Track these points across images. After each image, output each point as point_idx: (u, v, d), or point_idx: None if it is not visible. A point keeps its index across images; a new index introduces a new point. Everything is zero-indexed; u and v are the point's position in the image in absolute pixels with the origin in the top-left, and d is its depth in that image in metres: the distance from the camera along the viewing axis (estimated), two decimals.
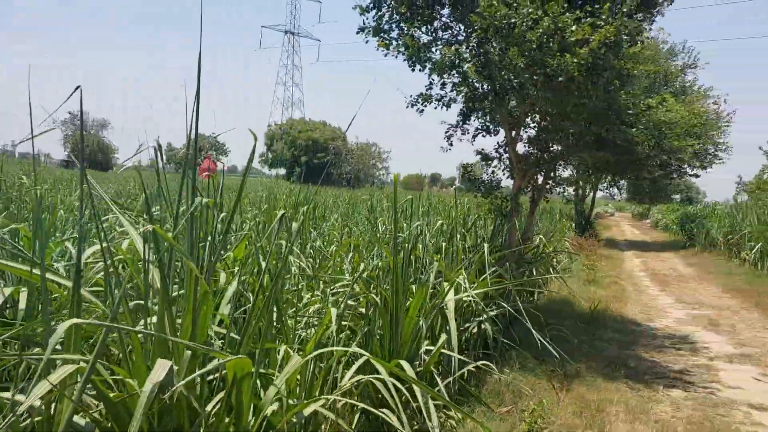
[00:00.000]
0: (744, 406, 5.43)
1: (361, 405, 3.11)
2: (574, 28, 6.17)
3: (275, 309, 3.10)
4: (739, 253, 16.55)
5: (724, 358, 7.07)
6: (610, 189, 27.46)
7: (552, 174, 8.56)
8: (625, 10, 6.38)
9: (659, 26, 23.99)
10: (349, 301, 4.59)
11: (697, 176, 22.51)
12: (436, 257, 5.58)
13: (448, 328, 4.67)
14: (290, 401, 2.68)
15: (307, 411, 2.67)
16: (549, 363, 5.92)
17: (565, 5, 6.22)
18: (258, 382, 2.92)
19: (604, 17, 6.20)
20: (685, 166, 21.12)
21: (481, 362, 4.74)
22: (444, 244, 6.17)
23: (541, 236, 11.35)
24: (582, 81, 6.66)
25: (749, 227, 15.99)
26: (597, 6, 6.40)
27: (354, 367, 3.54)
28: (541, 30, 6.17)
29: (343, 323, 4.26)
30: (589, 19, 6.25)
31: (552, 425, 4.62)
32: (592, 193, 26.86)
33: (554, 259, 12.99)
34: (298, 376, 3.04)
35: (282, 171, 68.83)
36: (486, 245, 6.05)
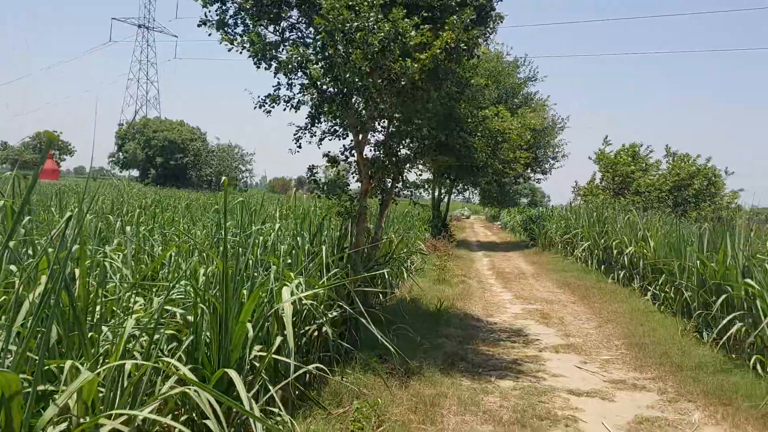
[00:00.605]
0: (564, 393, 5.89)
1: (170, 421, 2.92)
2: (413, 33, 6.37)
3: (70, 319, 2.82)
4: (573, 251, 18.14)
5: (551, 349, 7.65)
6: (464, 193, 28.97)
7: (400, 177, 8.77)
8: (464, 18, 6.70)
9: (502, 41, 25.81)
10: (179, 310, 4.36)
11: (538, 181, 24.50)
12: (274, 260, 5.47)
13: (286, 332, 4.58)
14: (82, 419, 2.45)
15: (104, 429, 2.45)
16: (392, 362, 6.03)
17: (405, 11, 6.40)
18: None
19: (447, 29, 6.47)
20: (528, 171, 22.86)
21: (315, 365, 4.70)
22: (283, 247, 6.06)
23: (393, 237, 11.64)
24: (424, 87, 6.90)
25: (581, 228, 17.57)
26: (435, 14, 6.65)
27: (172, 379, 3.34)
28: (382, 34, 6.30)
29: (167, 332, 4.02)
30: (428, 25, 6.47)
31: (388, 422, 4.71)
32: (447, 197, 28.13)
33: (408, 260, 13.39)
34: (102, 391, 2.80)
35: (135, 173, 64.82)
36: (325, 247, 6.04)
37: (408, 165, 8.65)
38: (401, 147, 8.61)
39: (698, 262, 8.50)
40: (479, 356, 7.14)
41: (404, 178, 9.06)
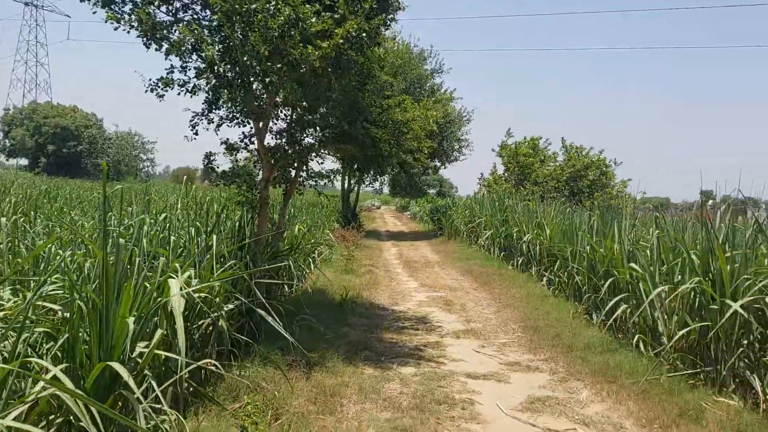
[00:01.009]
0: (463, 377, 6.03)
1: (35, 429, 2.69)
2: (314, 19, 6.25)
3: None
4: (477, 239, 18.70)
5: (452, 335, 7.82)
6: (374, 183, 29.17)
7: (304, 167, 8.64)
8: (366, 6, 6.64)
9: (409, 33, 26.17)
10: (56, 306, 4.04)
11: (444, 167, 25.25)
12: (164, 252, 5.20)
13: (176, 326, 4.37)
14: None
15: None
16: (294, 354, 5.92)
17: None
18: None
19: (341, 11, 6.38)
20: (435, 161, 23.31)
21: (207, 360, 4.53)
22: (173, 237, 5.79)
23: (300, 227, 11.49)
24: (326, 75, 6.80)
25: (484, 217, 18.13)
26: (335, 2, 6.55)
27: (40, 384, 3.08)
28: (282, 18, 6.13)
29: (40, 329, 3.72)
30: (327, 13, 6.37)
31: (286, 414, 4.61)
32: (357, 187, 28.18)
33: (315, 251, 13.28)
34: None
35: (24, 161, 60.33)
36: (216, 237, 5.83)
37: (312, 154, 8.53)
38: (305, 135, 8.47)
39: (588, 247, 8.96)
40: (383, 344, 7.17)
41: (308, 167, 8.94)
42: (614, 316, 7.48)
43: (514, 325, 8.31)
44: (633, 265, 7.43)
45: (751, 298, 5.32)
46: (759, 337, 5.41)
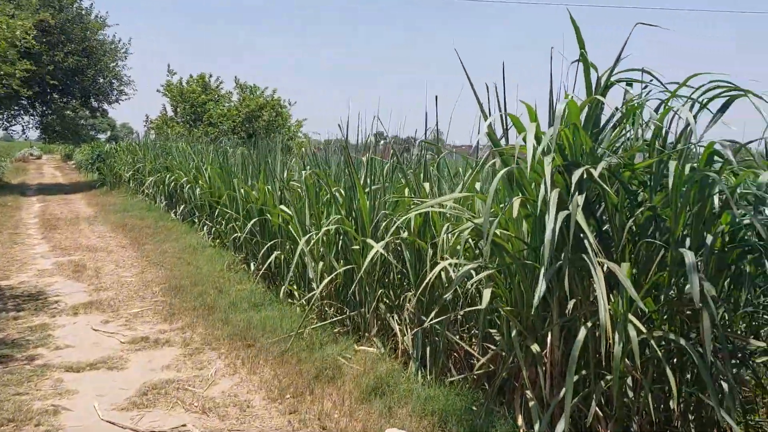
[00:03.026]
0: (61, 371, 4.55)
1: None
2: None
3: None
4: (142, 188, 16.59)
5: (70, 311, 6.16)
6: (11, 126, 24.01)
7: None
8: None
9: None
10: None
11: (102, 107, 22.08)
12: None
13: None
14: None
15: None
16: None
17: None
18: None
19: None
20: (92, 100, 19.91)
21: None
22: None
23: None
24: None
25: (148, 163, 16.10)
26: None
27: None
28: None
29: None
30: None
31: None
32: None
33: None
34: None
35: None
36: None
37: None
38: None
39: (242, 190, 8.07)
40: None
41: None
42: (267, 263, 6.76)
43: (156, 288, 7.01)
44: (283, 207, 6.74)
45: (392, 238, 4.95)
46: (399, 276, 5.13)
